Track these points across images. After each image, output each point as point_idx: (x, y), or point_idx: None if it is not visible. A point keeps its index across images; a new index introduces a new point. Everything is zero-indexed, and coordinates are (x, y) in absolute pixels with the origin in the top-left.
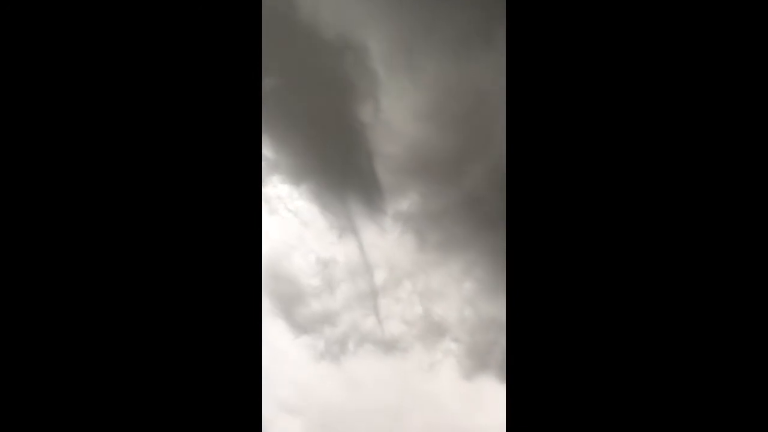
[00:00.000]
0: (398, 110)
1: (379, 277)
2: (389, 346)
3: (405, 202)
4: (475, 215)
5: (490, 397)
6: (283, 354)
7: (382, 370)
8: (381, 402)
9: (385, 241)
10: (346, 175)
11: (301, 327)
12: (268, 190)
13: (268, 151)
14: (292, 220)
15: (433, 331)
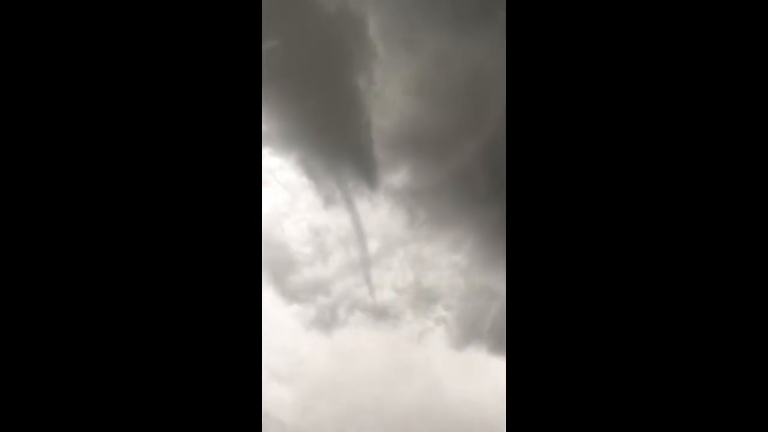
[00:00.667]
0: (394, 85)
1: (372, 246)
2: (381, 313)
3: (397, 176)
4: (468, 191)
5: (480, 366)
6: (274, 322)
7: (373, 339)
8: (371, 371)
9: (377, 212)
10: (340, 146)
11: (292, 295)
12: None
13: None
14: (283, 191)
15: (424, 297)
